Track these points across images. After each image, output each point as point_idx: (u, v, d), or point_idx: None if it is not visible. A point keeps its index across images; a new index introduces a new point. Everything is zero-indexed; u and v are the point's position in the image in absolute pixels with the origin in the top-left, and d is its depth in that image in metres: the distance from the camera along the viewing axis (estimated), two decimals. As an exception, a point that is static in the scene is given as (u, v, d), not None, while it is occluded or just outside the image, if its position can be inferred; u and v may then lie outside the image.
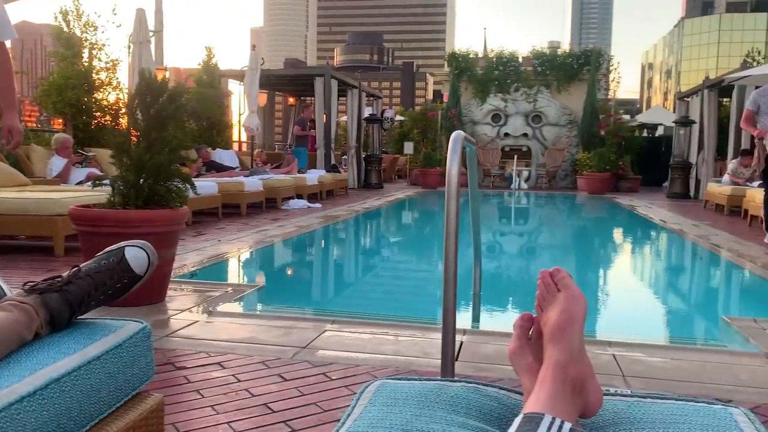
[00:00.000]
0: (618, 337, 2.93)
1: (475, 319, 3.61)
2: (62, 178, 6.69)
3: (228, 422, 1.89)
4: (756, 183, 9.25)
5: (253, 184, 8.49)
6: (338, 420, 0.91)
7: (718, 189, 10.03)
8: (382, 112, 18.86)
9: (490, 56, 17.60)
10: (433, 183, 14.98)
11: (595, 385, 0.88)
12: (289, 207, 9.24)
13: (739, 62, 14.84)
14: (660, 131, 21.41)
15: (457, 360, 2.41)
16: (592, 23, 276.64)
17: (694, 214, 9.55)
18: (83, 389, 1.04)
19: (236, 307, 3.49)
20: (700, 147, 13.33)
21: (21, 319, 1.09)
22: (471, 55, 17.48)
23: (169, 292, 3.46)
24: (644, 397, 0.95)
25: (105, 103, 9.90)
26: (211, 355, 2.50)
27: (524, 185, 16.18)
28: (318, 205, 9.79)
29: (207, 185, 7.20)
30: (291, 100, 17.98)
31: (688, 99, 15.05)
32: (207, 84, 13.00)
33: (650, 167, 16.85)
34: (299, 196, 9.88)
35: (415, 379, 1.00)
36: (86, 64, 9.72)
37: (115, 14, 10.06)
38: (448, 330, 1.95)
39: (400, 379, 1.00)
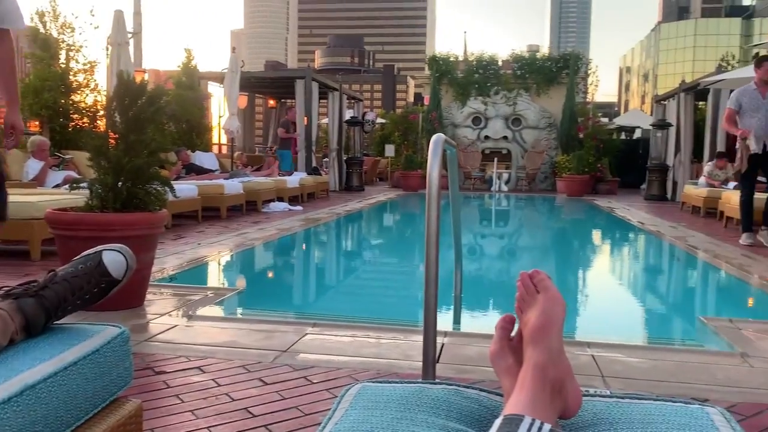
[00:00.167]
0: (597, 337, 2.96)
1: (457, 321, 3.62)
2: (39, 181, 6.60)
3: (208, 427, 1.87)
4: (731, 185, 9.41)
5: (233, 186, 8.44)
6: (319, 424, 0.91)
7: (695, 191, 10.18)
8: (363, 114, 18.88)
9: (470, 60, 17.72)
10: (414, 185, 15.02)
11: (574, 386, 0.89)
12: (270, 210, 9.19)
13: (714, 66, 15.07)
14: (637, 134, 21.70)
15: (438, 362, 2.42)
16: (571, 27, 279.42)
17: (671, 216, 9.68)
18: (59, 396, 1.03)
19: (216, 310, 3.46)
20: (677, 149, 13.52)
21: (-5, 324, 1.07)
22: (451, 59, 17.58)
23: (148, 296, 3.43)
24: (623, 398, 0.96)
25: (83, 105, 9.77)
26: (191, 360, 2.48)
27: (504, 187, 16.29)
28: (299, 207, 9.75)
29: (186, 188, 7.15)
30: (271, 102, 17.92)
31: (665, 102, 15.27)
32: (186, 86, 12.90)
33: (628, 169, 17.06)
34: (280, 199, 9.84)
35: (396, 382, 1.00)
36: (63, 65, 9.60)
37: (93, 15, 9.95)
38: (429, 332, 1.95)
39: (381, 382, 1.00)
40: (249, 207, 8.95)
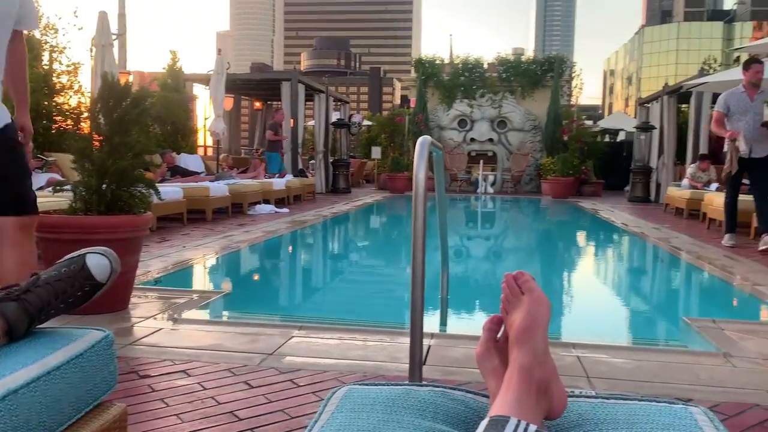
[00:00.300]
0: (582, 338, 2.98)
1: (443, 322, 3.63)
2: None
3: (193, 431, 1.86)
4: (714, 186, 9.51)
5: (218, 189, 8.39)
6: (305, 427, 0.91)
7: (678, 193, 10.28)
8: (350, 116, 18.87)
9: (456, 62, 17.79)
10: (400, 187, 15.04)
11: (559, 387, 0.89)
12: (256, 212, 9.16)
13: (697, 69, 15.26)
14: (621, 136, 21.88)
15: (425, 364, 2.42)
16: (555, 30, 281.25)
17: (655, 218, 9.77)
18: (43, 400, 1.02)
19: (202, 314, 3.44)
20: (660, 152, 13.65)
21: (-23, 329, 1.06)
22: (437, 61, 17.65)
23: (133, 300, 3.40)
24: (608, 398, 0.97)
25: (66, 107, 9.68)
26: (176, 363, 2.46)
27: (490, 189, 16.37)
28: (285, 210, 9.72)
29: (172, 190, 7.10)
30: (257, 104, 17.87)
31: (649, 105, 15.41)
32: (172, 88, 12.84)
33: (612, 171, 17.20)
34: (266, 201, 9.81)
35: (383, 384, 1.00)
36: (46, 67, 9.50)
37: (77, 17, 9.89)
38: (416, 334, 1.95)
39: (367, 385, 1.00)
40: (235, 209, 8.91)
